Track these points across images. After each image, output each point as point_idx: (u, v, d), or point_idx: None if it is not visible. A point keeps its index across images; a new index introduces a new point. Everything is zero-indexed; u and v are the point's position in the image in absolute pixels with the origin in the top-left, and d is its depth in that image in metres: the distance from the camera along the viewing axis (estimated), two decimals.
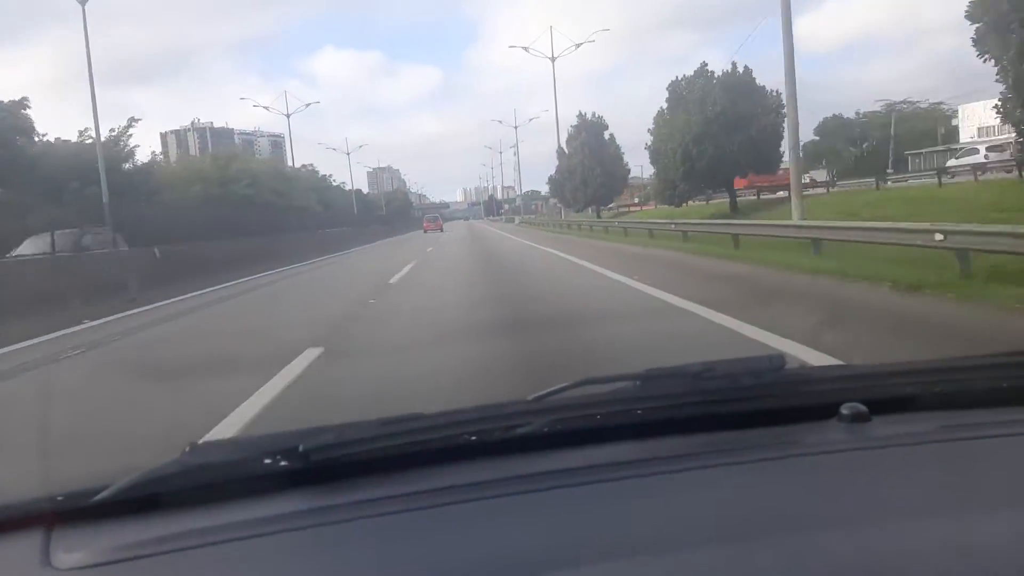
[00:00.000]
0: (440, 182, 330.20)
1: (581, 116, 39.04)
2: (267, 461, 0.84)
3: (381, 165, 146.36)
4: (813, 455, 0.89)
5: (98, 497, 0.82)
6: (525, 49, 39.71)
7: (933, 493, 0.80)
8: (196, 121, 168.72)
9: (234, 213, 22.36)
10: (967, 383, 1.05)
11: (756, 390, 1.00)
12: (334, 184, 57.08)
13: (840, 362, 3.32)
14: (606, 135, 38.58)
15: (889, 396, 1.01)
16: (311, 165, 54.45)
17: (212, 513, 0.82)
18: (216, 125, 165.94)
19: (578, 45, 40.02)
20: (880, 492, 0.79)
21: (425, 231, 43.53)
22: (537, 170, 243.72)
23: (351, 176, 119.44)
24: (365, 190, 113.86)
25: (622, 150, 39.26)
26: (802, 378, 1.11)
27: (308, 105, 45.95)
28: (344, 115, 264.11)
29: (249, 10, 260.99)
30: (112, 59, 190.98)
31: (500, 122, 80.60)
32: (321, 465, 0.85)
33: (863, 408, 0.93)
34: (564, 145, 39.95)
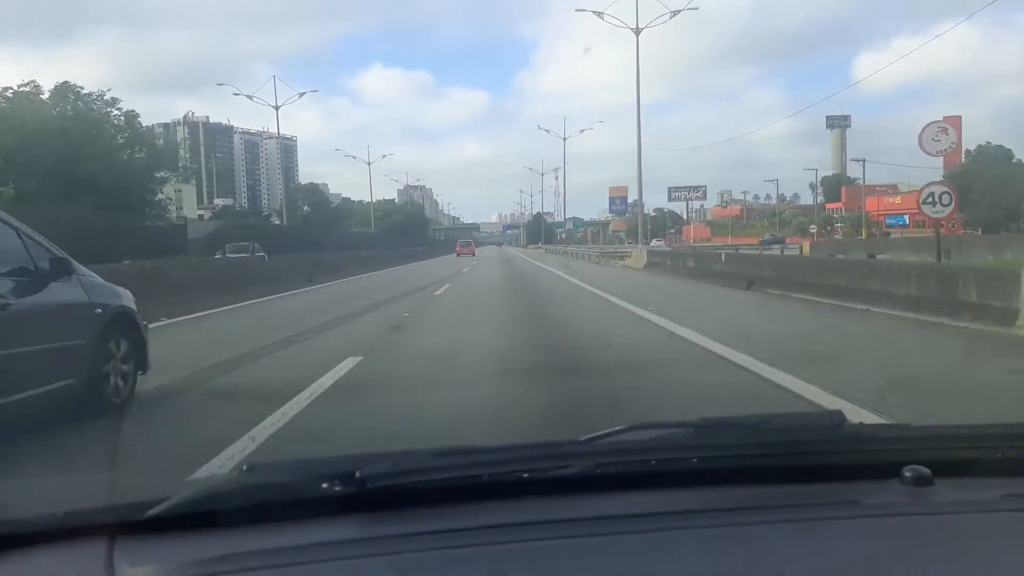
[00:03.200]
0: (475, 206, 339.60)
1: None
2: (324, 486, 0.97)
3: (412, 183, 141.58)
4: (875, 517, 0.97)
5: (155, 510, 0.93)
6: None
7: (994, 566, 0.88)
8: (190, 115, 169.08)
9: None
10: None
11: (815, 446, 1.11)
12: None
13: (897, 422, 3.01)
14: None
15: (951, 459, 1.10)
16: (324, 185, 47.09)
17: (269, 534, 0.92)
18: (213, 120, 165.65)
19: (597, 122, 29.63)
20: (941, 560, 0.89)
21: (458, 255, 49.43)
22: (577, 200, 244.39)
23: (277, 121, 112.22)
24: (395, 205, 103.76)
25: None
26: (862, 436, 1.20)
27: (301, 95, 44.26)
28: (386, 133, 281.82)
29: (298, 23, 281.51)
30: (156, 65, 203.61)
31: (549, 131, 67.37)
32: (375, 491, 0.97)
33: (926, 471, 1.02)
34: None
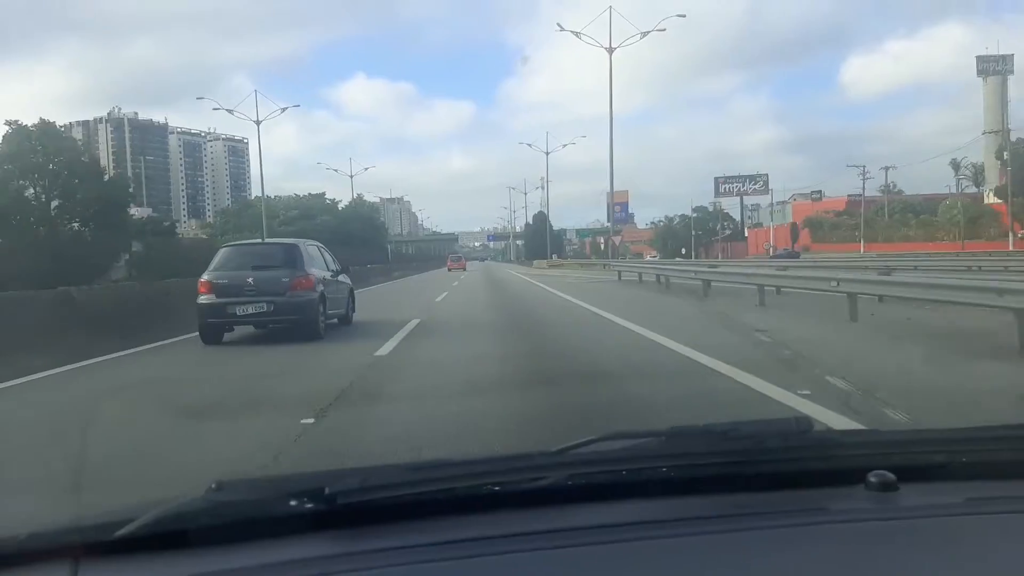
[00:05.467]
0: (456, 221, 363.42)
1: None
2: (292, 503, 1.15)
3: (391, 196, 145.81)
4: (840, 523, 1.19)
5: (123, 531, 1.10)
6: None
7: (958, 569, 1.05)
8: (115, 110, 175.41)
9: None
10: (994, 454, 1.41)
11: (782, 452, 1.34)
12: None
13: (864, 427, 4.13)
14: None
15: (916, 464, 1.35)
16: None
17: (237, 553, 1.09)
18: (142, 117, 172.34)
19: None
20: (906, 565, 1.05)
21: (448, 270, 60.52)
22: (564, 212, 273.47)
23: None
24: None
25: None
26: (829, 442, 1.49)
27: (284, 109, 50.63)
28: (367, 147, 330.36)
29: (277, 31, 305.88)
30: (130, 77, 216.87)
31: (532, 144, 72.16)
32: (346, 508, 1.15)
33: (891, 477, 1.24)
34: None
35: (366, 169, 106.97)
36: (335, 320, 13.10)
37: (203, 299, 11.33)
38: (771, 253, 66.28)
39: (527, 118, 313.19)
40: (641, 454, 1.34)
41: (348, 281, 14.20)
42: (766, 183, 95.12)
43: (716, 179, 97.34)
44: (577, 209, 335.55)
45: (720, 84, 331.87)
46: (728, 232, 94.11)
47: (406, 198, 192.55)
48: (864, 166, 78.66)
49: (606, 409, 5.84)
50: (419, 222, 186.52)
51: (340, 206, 73.82)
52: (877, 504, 1.22)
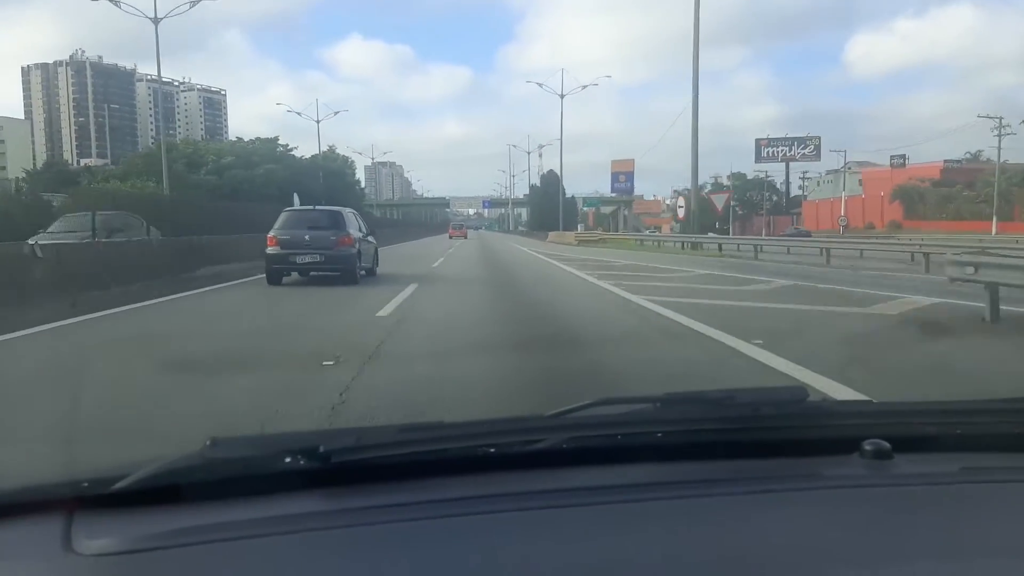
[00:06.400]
0: (452, 189, 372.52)
1: None
2: (287, 460, 1.26)
3: (381, 159, 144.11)
4: (833, 489, 1.32)
5: (118, 486, 1.22)
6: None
7: (951, 536, 1.18)
8: (78, 53, 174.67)
9: None
10: (989, 426, 1.56)
11: (777, 420, 1.49)
12: None
13: (861, 397, 4.72)
14: None
15: (911, 435, 1.48)
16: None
17: (231, 508, 1.21)
18: (107, 61, 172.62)
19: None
20: (899, 531, 1.16)
21: (450, 237, 70.24)
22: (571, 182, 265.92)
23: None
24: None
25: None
26: (824, 411, 1.64)
27: (194, 4, 40.54)
28: (362, 110, 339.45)
29: None
30: (118, 29, 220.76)
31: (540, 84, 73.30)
32: (340, 467, 1.27)
33: (886, 445, 1.36)
34: None
35: (336, 113, 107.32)
36: (363, 272, 17.77)
37: (270, 250, 16.22)
38: (842, 227, 59.12)
39: (524, 87, 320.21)
40: (636, 419, 1.45)
41: (374, 241, 19.33)
42: (818, 147, 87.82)
43: (757, 141, 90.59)
44: (574, 180, 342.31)
45: (724, 58, 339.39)
46: (770, 204, 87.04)
47: (397, 162, 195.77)
48: (1001, 118, 64.83)
49: None
50: (411, 187, 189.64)
51: (302, 156, 68.00)
52: (871, 471, 1.33)
